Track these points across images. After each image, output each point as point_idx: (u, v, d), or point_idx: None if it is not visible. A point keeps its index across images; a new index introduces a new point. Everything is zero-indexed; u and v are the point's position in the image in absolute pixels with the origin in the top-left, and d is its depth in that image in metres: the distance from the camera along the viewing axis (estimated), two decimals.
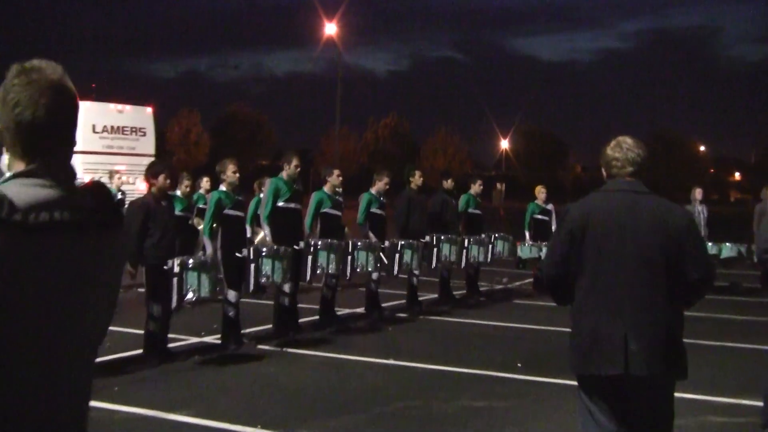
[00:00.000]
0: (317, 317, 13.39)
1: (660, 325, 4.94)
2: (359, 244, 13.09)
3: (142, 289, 11.20)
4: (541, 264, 5.30)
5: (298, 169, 12.50)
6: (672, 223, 4.99)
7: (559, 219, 5.19)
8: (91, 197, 2.44)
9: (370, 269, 13.31)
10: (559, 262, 5.07)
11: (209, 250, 11.31)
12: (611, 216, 5.02)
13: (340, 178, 13.39)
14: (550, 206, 18.18)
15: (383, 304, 14.66)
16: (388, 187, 14.19)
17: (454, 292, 16.58)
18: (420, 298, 15.56)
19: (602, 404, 5.05)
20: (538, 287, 17.77)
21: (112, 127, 28.37)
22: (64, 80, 2.46)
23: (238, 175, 11.56)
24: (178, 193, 14.75)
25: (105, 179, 20.84)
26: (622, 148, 5.19)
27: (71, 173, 2.46)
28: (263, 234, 12.76)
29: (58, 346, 2.35)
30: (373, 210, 13.95)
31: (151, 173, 10.67)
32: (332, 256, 12.45)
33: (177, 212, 12.55)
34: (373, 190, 14.11)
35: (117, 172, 17.90)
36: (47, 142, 2.42)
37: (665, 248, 4.93)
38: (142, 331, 10.67)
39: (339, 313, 13.87)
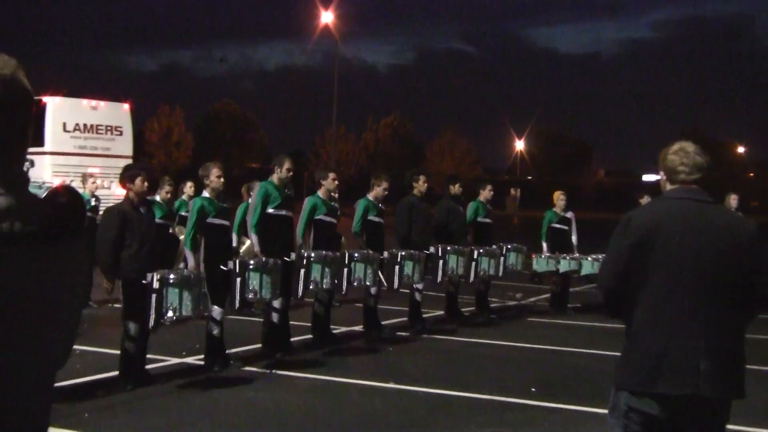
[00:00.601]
0: (310, 336, 13.43)
1: (730, 342, 5.08)
2: (356, 255, 13.10)
3: (117, 305, 11.22)
4: (597, 276, 5.41)
5: (290, 174, 12.54)
6: (744, 235, 5.14)
7: (620, 227, 5.24)
8: (49, 205, 2.40)
9: (368, 283, 13.33)
10: (622, 273, 5.16)
11: (191, 262, 11.32)
12: (683, 226, 5.13)
13: (336, 183, 13.43)
14: (569, 214, 18.14)
15: (383, 322, 14.71)
16: (387, 192, 14.23)
17: (463, 309, 16.60)
18: (424, 315, 15.61)
19: (653, 429, 5.14)
20: (555, 304, 17.81)
21: (85, 126, 28.41)
22: (17, 75, 2.43)
23: (223, 180, 11.57)
24: (158, 198, 14.78)
25: (76, 183, 20.87)
26: (688, 154, 5.33)
27: (22, 178, 2.43)
28: (249, 243, 12.78)
29: (9, 368, 2.33)
30: (371, 218, 13.99)
31: (127, 177, 10.66)
32: (327, 270, 12.44)
33: (156, 220, 12.56)
34: (370, 196, 14.15)
35: (91, 175, 17.92)
36: None
37: (737, 261, 5.08)
38: (116, 351, 10.69)
39: (335, 331, 13.91)
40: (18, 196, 2.33)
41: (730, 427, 5.25)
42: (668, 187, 5.37)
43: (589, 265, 17.00)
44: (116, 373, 10.60)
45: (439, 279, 15.21)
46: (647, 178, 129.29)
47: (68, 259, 2.45)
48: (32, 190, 2.46)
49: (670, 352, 5.03)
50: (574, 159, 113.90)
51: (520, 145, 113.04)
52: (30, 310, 2.35)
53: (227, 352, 11.73)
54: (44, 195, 2.48)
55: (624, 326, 5.28)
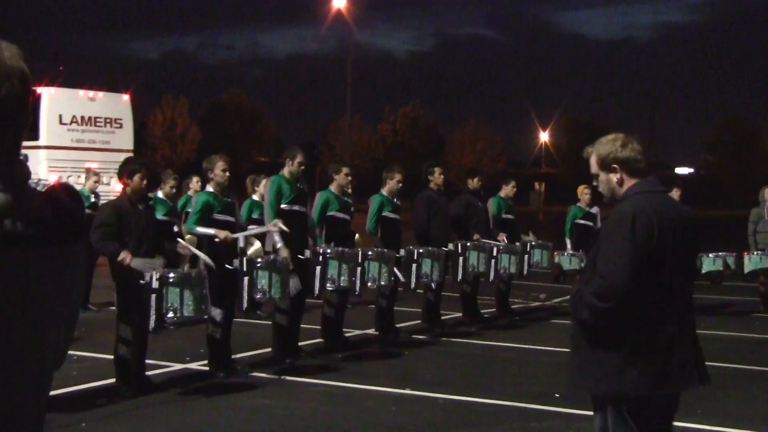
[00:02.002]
0: (321, 340, 13.45)
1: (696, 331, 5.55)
2: (370, 253, 13.07)
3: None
4: (610, 274, 5.34)
5: (303, 167, 12.53)
6: (695, 224, 5.63)
7: (625, 225, 5.31)
8: (49, 206, 2.42)
9: (383, 283, 13.31)
10: (635, 274, 5.23)
11: (202, 254, 11.26)
12: (669, 219, 5.37)
13: (349, 178, 13.40)
14: (594, 209, 18.06)
15: (398, 325, 14.71)
16: (401, 185, 14.23)
17: (483, 311, 16.60)
18: (442, 317, 15.63)
19: (652, 428, 5.41)
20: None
21: (83, 118, 28.47)
22: (22, 64, 2.44)
23: (228, 174, 11.57)
24: (160, 194, 14.81)
25: (73, 179, 20.91)
26: (636, 144, 5.55)
27: (23, 175, 2.43)
28: (258, 246, 12.73)
29: (7, 370, 2.35)
30: (386, 214, 13.97)
31: (125, 172, 10.64)
32: (344, 266, 12.45)
33: (160, 216, 12.55)
34: (384, 191, 14.13)
35: (95, 173, 17.94)
36: None
37: (696, 249, 5.66)
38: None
39: (348, 335, 13.92)
40: (19, 193, 2.34)
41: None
42: (627, 181, 5.50)
43: None
44: (115, 380, 10.64)
45: (460, 277, 15.20)
46: (680, 170, 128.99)
47: (68, 261, 2.47)
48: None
49: (676, 349, 5.31)
50: None
51: (545, 136, 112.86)
52: (29, 311, 2.36)
53: (233, 357, 11.76)
54: (42, 193, 2.49)
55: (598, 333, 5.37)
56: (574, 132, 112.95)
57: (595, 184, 5.73)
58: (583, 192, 17.98)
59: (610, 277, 5.27)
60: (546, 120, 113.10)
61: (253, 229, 12.74)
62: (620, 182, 5.50)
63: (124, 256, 10.15)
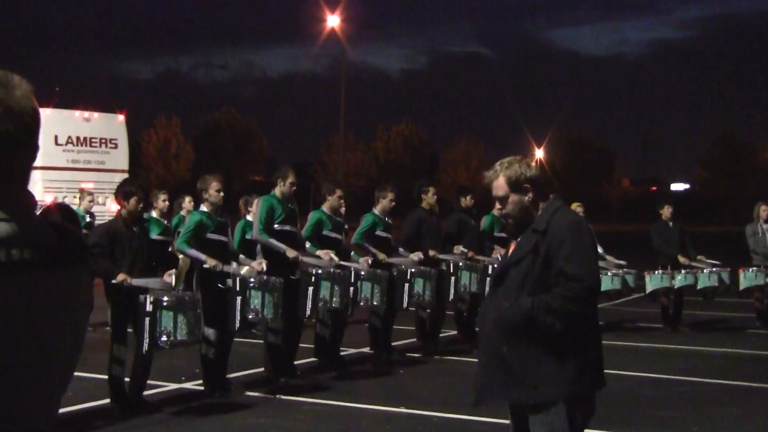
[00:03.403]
0: (316, 359, 13.44)
1: None
2: (363, 273, 13.09)
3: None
4: (587, 275, 5.54)
5: (294, 188, 12.54)
6: None
7: (585, 228, 5.75)
8: (54, 231, 2.43)
9: (375, 303, 13.33)
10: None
11: (202, 256, 11.22)
12: None
13: (342, 201, 13.42)
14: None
15: (393, 343, 14.72)
16: (394, 203, 14.23)
17: (477, 328, 16.57)
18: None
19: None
20: None
21: (78, 139, 28.48)
22: (33, 102, 2.45)
23: (222, 194, 11.59)
24: (154, 214, 14.81)
25: (68, 200, 20.92)
26: (535, 165, 5.97)
27: (29, 203, 2.44)
28: (249, 267, 12.74)
29: (13, 399, 2.36)
30: (378, 233, 14.00)
31: (122, 194, 10.67)
32: (336, 287, 12.47)
33: (154, 236, 12.54)
34: (376, 211, 14.14)
35: (90, 193, 17.94)
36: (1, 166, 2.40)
37: None
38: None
39: (342, 353, 13.92)
40: (24, 221, 2.35)
41: None
42: (539, 198, 5.85)
43: (609, 281, 16.87)
44: (109, 400, 10.65)
45: (452, 297, 15.19)
46: (675, 187, 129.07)
47: (73, 284, 2.48)
48: None
49: (600, 346, 5.74)
50: (597, 167, 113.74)
51: (539, 153, 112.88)
52: (35, 338, 2.37)
53: (228, 376, 11.76)
54: (38, 213, 2.51)
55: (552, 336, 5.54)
56: (568, 148, 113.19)
57: (499, 207, 5.99)
58: (576, 209, 17.95)
59: (588, 278, 5.51)
60: (539, 136, 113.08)
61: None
62: (533, 200, 5.80)
63: (123, 277, 10.21)
